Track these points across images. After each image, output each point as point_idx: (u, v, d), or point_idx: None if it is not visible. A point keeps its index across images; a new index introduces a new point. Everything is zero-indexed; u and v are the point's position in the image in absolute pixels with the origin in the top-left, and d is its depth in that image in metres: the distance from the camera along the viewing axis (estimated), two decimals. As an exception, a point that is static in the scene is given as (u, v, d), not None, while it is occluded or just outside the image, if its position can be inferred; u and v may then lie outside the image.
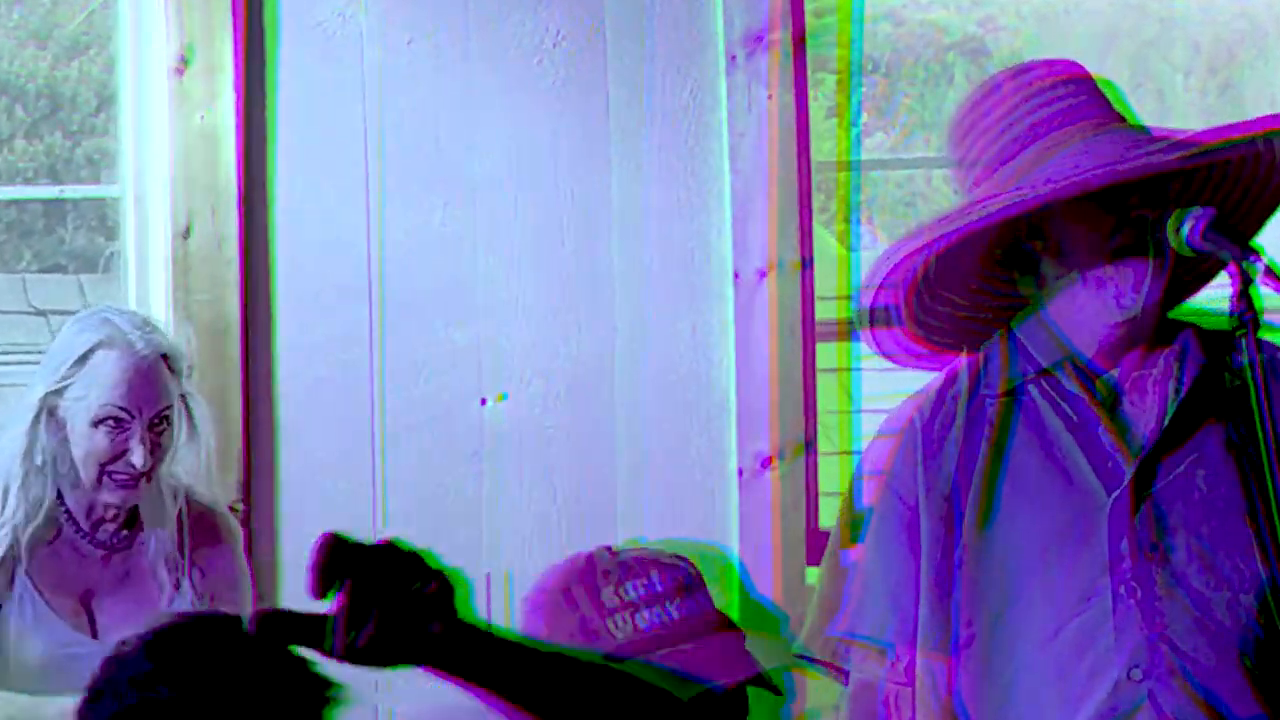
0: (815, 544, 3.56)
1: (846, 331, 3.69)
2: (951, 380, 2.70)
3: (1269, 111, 2.76)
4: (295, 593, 3.56)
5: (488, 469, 3.60)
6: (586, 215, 3.66)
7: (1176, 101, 3.88)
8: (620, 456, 3.61)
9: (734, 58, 3.67)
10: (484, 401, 3.61)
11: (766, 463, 3.61)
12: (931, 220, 2.64)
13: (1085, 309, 2.59)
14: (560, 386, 3.63)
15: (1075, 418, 2.62)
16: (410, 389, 3.61)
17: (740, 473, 3.62)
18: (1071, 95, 2.64)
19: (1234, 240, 2.53)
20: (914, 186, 3.83)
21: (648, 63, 3.67)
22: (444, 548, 3.57)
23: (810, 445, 3.61)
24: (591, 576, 2.42)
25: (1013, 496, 2.63)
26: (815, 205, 3.72)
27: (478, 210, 3.65)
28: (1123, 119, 2.62)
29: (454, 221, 3.65)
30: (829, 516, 3.60)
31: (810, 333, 3.63)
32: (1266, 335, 2.54)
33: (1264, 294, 2.51)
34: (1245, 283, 2.50)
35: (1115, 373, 2.65)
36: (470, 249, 3.65)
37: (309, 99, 3.64)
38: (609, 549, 2.46)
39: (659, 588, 2.42)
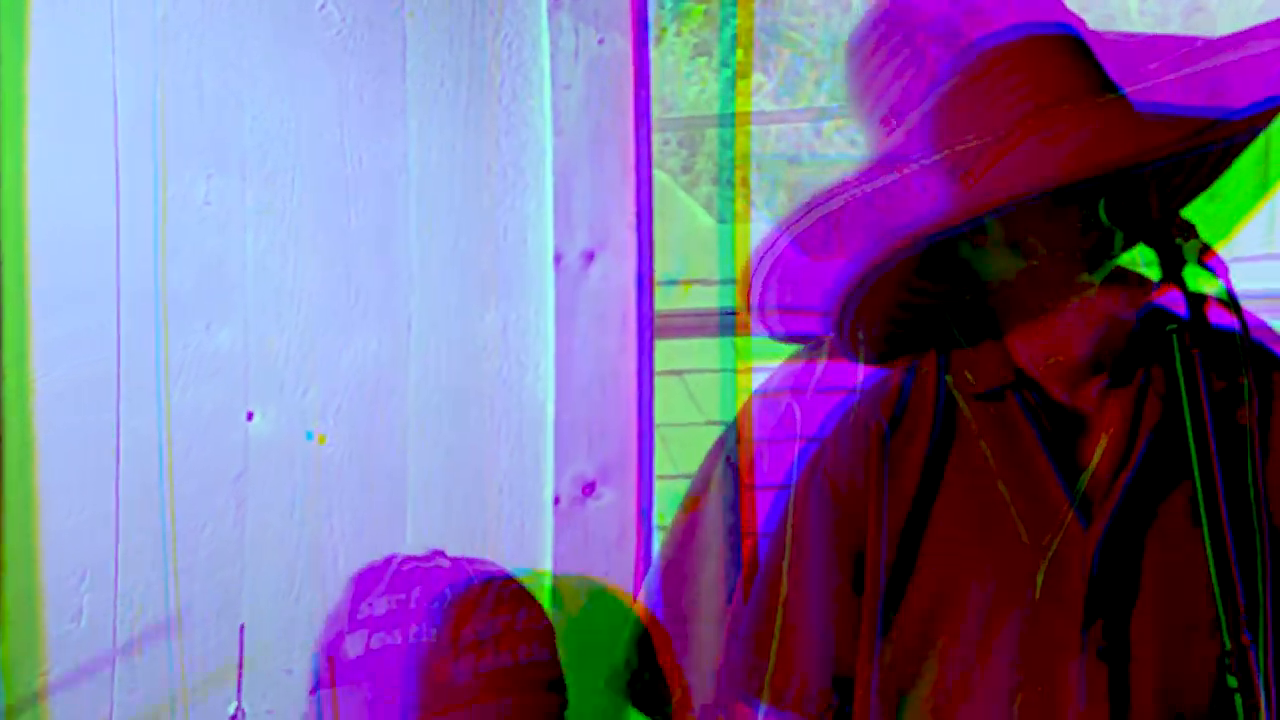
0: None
1: (711, 326, 3.05)
2: (849, 400, 2.21)
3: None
4: (56, 623, 3.03)
5: (252, 495, 2.99)
6: (378, 189, 3.05)
7: (1130, 29, 3.19)
8: (412, 481, 2.99)
9: (559, -5, 3.05)
10: (250, 415, 3.00)
11: (589, 488, 2.98)
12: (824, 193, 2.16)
13: (1051, 325, 2.19)
14: (342, 396, 3.02)
15: (1014, 456, 2.19)
16: (163, 400, 3.00)
17: (556, 501, 2.98)
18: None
19: (1139, 222, 2.01)
20: (800, 138, 3.18)
21: (452, 4, 3.05)
22: (197, 589, 3.02)
23: (644, 466, 2.97)
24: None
25: (936, 552, 2.20)
26: (676, 164, 3.09)
27: (248, 183, 3.04)
28: (1088, 63, 2.18)
29: (219, 197, 3.04)
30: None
31: (648, 327, 2.99)
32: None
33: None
34: (1179, 281, 2.01)
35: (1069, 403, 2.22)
36: (238, 230, 3.04)
37: (45, 54, 3.04)
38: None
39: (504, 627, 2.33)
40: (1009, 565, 2.16)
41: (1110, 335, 2.17)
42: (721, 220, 3.10)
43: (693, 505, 2.49)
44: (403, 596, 2.37)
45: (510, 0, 3.05)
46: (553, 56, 3.04)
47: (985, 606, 2.16)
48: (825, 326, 2.25)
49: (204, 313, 3.02)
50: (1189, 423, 2.03)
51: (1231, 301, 2.04)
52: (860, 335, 2.25)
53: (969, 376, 2.21)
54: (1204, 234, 2.07)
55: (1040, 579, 2.15)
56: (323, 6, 3.05)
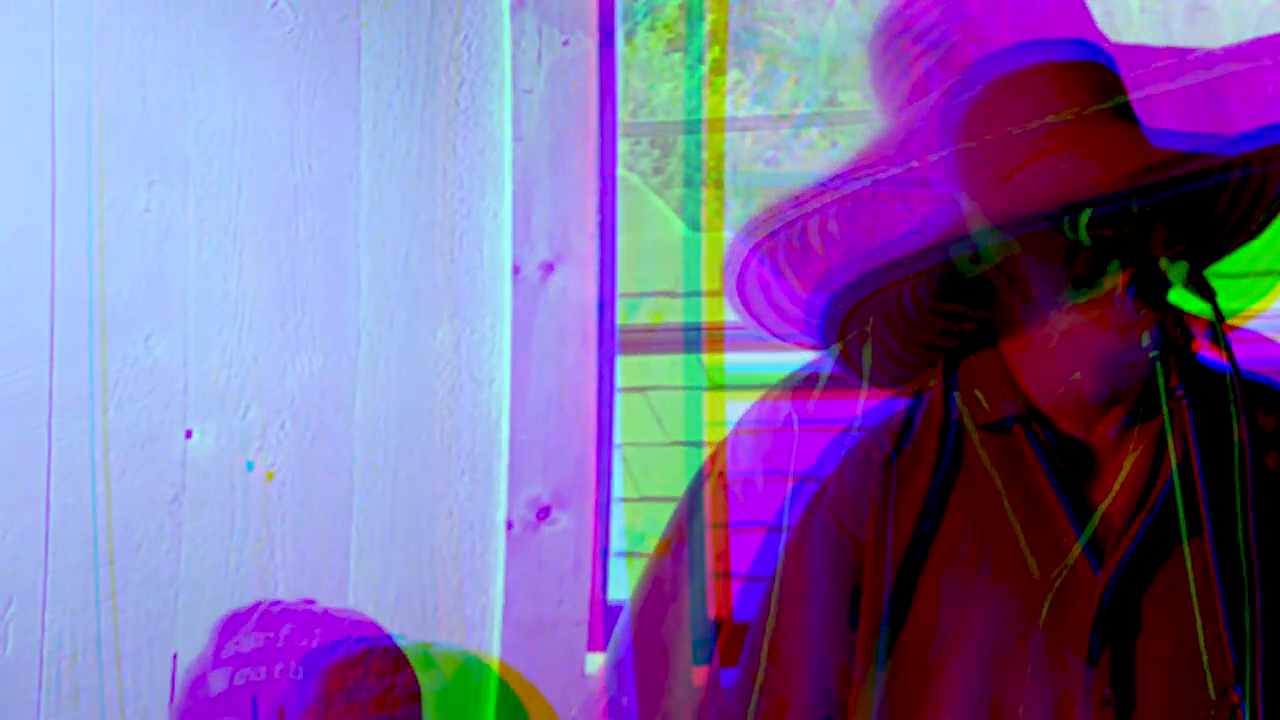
0: (602, 622, 2.75)
1: (677, 340, 2.89)
2: (851, 438, 2.13)
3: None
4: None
5: (190, 518, 2.84)
6: (328, 196, 2.90)
7: (1130, 26, 3.00)
8: (357, 504, 2.84)
9: (523, -6, 2.90)
10: (189, 434, 2.84)
11: (544, 513, 2.82)
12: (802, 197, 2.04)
13: (1051, 354, 2.03)
14: (286, 414, 2.86)
15: (1024, 489, 2.05)
16: (99, 415, 2.85)
17: (510, 526, 2.82)
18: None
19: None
20: (777, 139, 3.01)
21: (410, 3, 2.90)
22: (131, 614, 2.87)
23: (603, 489, 2.81)
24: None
25: (939, 581, 2.07)
26: (648, 166, 2.93)
27: (191, 190, 2.90)
28: (1103, 90, 2.03)
29: (162, 204, 2.90)
30: (620, 585, 2.80)
31: (610, 342, 2.83)
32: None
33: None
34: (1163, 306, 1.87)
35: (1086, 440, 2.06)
36: (180, 238, 2.90)
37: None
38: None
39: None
40: (1014, 597, 2.03)
41: (1117, 369, 2.03)
42: (693, 226, 2.94)
43: (665, 548, 2.33)
44: (271, 634, 2.33)
45: (471, -1, 2.91)
46: (514, 59, 2.89)
47: (988, 638, 2.03)
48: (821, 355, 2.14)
49: (142, 325, 2.87)
50: (1174, 468, 1.92)
51: (1218, 331, 1.89)
52: (867, 362, 2.12)
53: (979, 396, 2.07)
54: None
55: (1045, 612, 2.02)
56: (274, 4, 2.91)
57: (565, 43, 2.88)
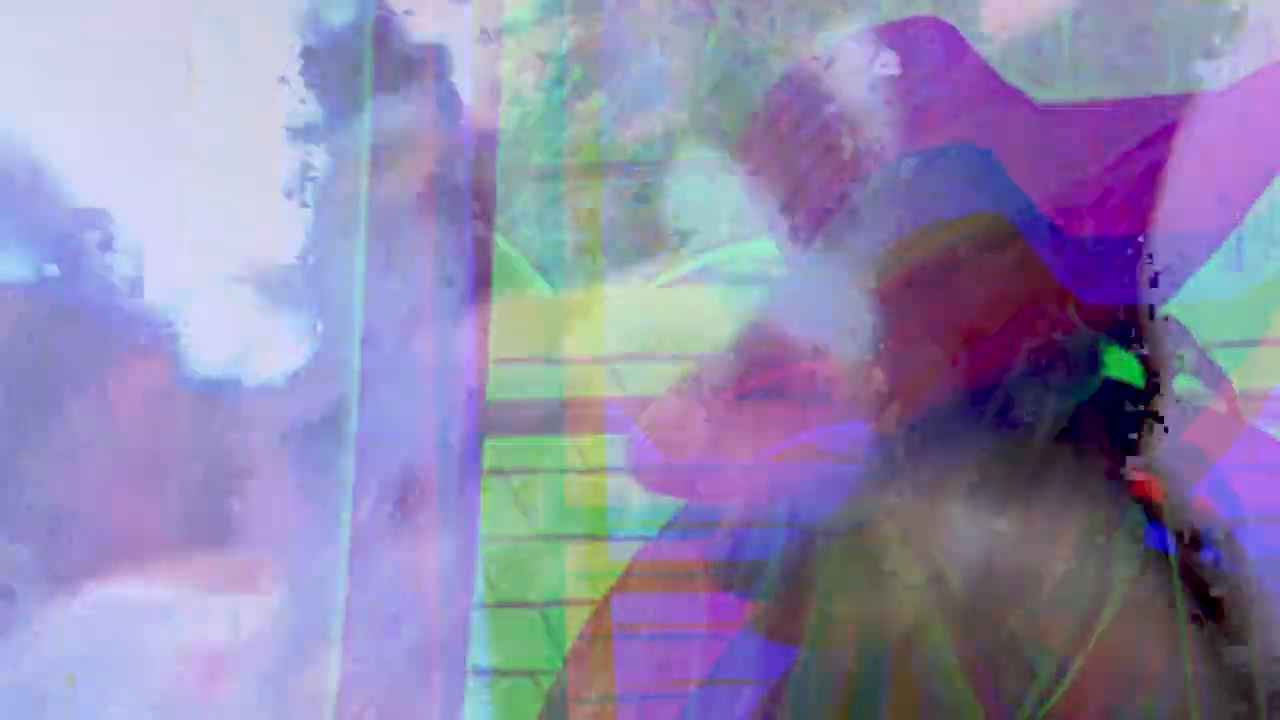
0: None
1: (538, 418, 2.58)
2: None
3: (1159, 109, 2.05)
4: None
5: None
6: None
7: (1062, 56, 2.75)
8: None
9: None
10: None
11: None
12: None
13: None
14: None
15: None
16: None
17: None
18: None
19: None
20: (646, 171, 2.70)
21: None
22: None
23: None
24: None
25: None
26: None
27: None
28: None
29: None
30: (473, 708, 2.50)
31: (471, 419, 2.50)
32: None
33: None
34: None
35: None
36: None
37: None
38: None
39: None
40: None
41: None
42: (549, 275, 2.62)
43: None
44: None
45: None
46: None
47: None
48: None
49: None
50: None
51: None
52: None
53: None
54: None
55: None
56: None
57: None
